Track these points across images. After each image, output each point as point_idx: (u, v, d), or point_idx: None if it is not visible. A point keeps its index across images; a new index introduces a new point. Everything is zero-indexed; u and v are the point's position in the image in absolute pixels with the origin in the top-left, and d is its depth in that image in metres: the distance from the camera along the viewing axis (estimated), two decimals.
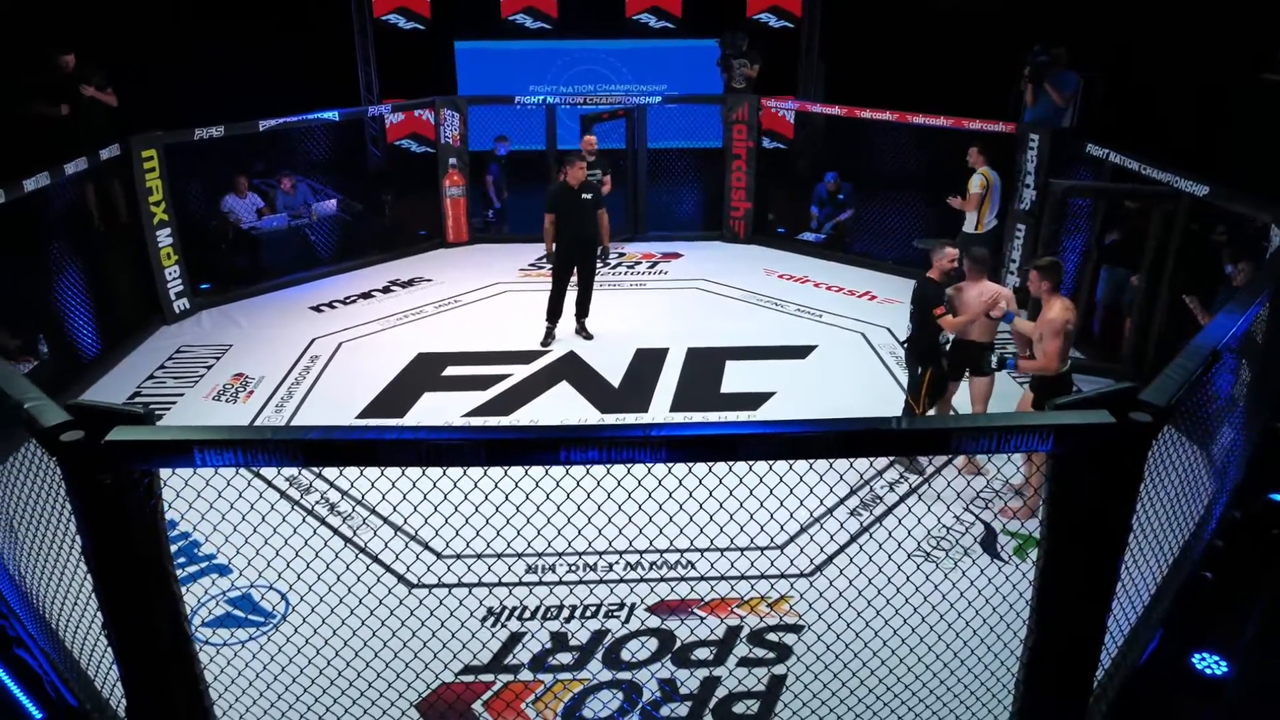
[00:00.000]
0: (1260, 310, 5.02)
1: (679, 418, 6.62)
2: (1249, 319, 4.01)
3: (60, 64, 8.19)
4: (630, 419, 6.62)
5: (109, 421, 2.83)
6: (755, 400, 6.84)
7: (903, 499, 5.66)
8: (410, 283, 9.33)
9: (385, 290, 9.15)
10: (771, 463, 3.36)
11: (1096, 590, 3.18)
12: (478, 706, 4.10)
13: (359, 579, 4.57)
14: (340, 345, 7.89)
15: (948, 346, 6.01)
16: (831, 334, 8.06)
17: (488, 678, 4.24)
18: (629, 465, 2.89)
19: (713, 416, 6.66)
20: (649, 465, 3.05)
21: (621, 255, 9.98)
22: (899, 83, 10.01)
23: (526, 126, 10.54)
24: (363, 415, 6.71)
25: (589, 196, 7.66)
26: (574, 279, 7.85)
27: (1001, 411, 5.83)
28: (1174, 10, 8.94)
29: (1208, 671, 4.28)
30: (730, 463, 3.17)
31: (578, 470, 3.22)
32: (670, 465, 3.47)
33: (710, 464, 3.31)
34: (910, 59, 10.46)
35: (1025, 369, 5.54)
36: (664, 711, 4.08)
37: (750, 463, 3.16)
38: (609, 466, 3.16)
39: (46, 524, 3.61)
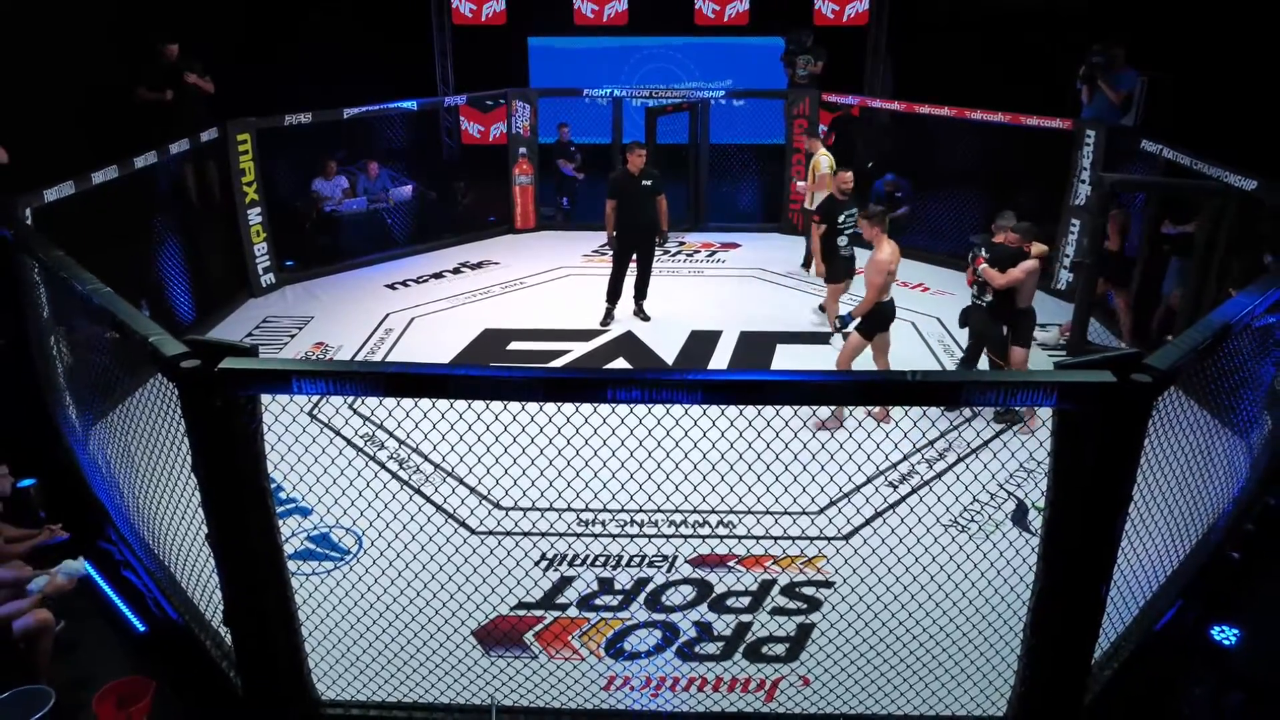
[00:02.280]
0: None
1: None
2: (1269, 301, 4.18)
3: (165, 53, 8.84)
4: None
5: (220, 354, 3.28)
6: None
7: (939, 475, 5.90)
8: (479, 265, 9.82)
9: (455, 271, 9.66)
10: (819, 437, 3.68)
11: (1100, 541, 3.42)
12: (529, 637, 4.50)
13: (426, 524, 4.99)
14: (412, 320, 8.41)
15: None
16: None
17: (539, 613, 4.64)
18: (670, 409, 3.23)
19: None
20: (699, 423, 3.38)
21: (681, 244, 10.33)
22: (965, 82, 10.12)
23: (593, 120, 10.96)
24: None
25: (649, 184, 8.03)
26: (634, 263, 8.23)
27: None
28: (1242, 9, 8.94)
29: (1225, 642, 4.47)
30: (774, 427, 3.48)
31: (636, 425, 3.59)
32: (721, 428, 3.80)
33: (761, 431, 3.63)
34: (979, 59, 10.59)
35: (857, 313, 6.47)
36: (699, 650, 4.42)
37: (795, 430, 3.48)
38: (662, 422, 3.51)
39: (159, 453, 4.11)
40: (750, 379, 3.22)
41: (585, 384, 3.25)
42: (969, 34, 11.04)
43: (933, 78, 10.71)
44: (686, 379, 3.16)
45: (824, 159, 8.94)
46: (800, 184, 9.47)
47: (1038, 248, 6.54)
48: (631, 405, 3.46)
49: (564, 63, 12.63)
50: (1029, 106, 9.01)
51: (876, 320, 6.48)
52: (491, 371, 3.16)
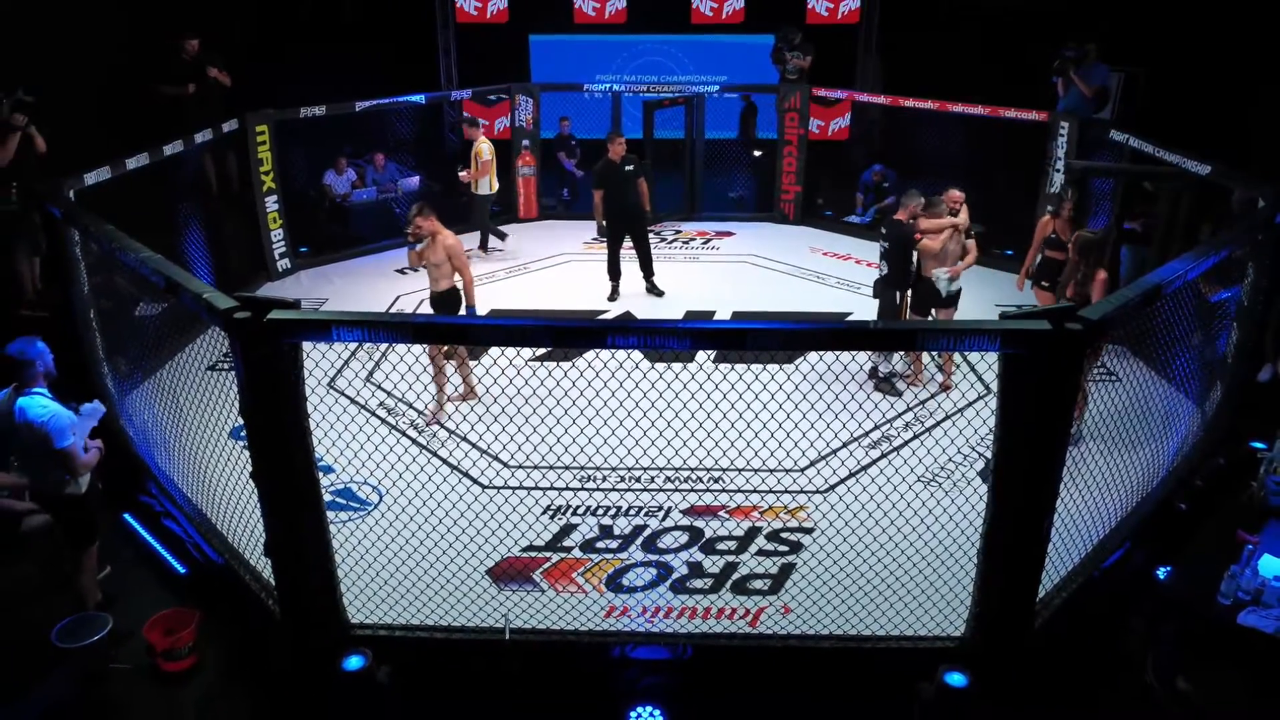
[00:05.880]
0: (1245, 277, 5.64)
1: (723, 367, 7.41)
2: (1203, 267, 4.63)
3: (186, 48, 9.29)
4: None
5: (267, 307, 3.74)
6: (790, 356, 7.58)
7: (917, 435, 6.36)
8: (485, 251, 10.27)
9: None
10: (809, 399, 4.07)
11: (1042, 470, 3.87)
12: (537, 575, 4.96)
13: (433, 476, 5.42)
14: (422, 301, 8.85)
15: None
16: (867, 303, 8.67)
17: (546, 555, 5.10)
18: (670, 367, 3.67)
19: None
20: (706, 387, 3.81)
21: (678, 232, 10.79)
22: (952, 79, 10.55)
23: (592, 116, 11.41)
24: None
25: (630, 169, 8.55)
26: (631, 246, 8.74)
27: None
28: (1213, 6, 9.41)
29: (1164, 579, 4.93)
30: (766, 387, 3.88)
31: (634, 388, 4.02)
32: (716, 382, 4.24)
33: (752, 392, 4.06)
34: (963, 55, 11.03)
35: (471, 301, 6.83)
36: (690, 585, 4.88)
37: (786, 393, 3.87)
38: (668, 385, 3.92)
39: (206, 402, 4.56)
40: (732, 327, 3.68)
41: (588, 332, 3.71)
42: (954, 32, 11.50)
43: (920, 73, 11.16)
44: (678, 328, 3.63)
45: (484, 145, 9.75)
46: (463, 172, 9.95)
47: (928, 223, 6.82)
48: (630, 353, 3.94)
49: (563, 59, 13.07)
50: (1011, 100, 9.46)
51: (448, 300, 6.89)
52: (505, 321, 3.62)
